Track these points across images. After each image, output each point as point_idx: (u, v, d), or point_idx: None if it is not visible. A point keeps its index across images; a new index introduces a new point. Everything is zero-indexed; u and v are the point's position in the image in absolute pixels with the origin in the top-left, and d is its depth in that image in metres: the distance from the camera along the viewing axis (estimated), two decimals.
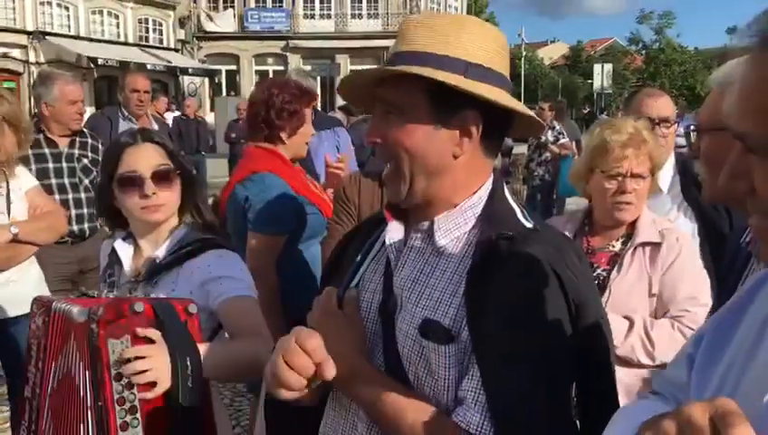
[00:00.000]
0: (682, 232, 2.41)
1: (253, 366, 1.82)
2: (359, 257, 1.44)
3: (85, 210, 4.27)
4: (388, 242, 1.37)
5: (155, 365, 1.60)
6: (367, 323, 1.36)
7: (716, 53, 49.07)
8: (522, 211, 1.33)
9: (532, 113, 1.36)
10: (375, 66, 1.34)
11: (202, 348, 1.71)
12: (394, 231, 1.38)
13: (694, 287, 2.28)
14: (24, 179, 3.39)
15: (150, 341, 1.63)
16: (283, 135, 3.08)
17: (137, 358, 1.60)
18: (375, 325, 1.35)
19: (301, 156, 3.24)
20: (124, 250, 2.05)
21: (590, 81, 41.12)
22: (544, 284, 1.21)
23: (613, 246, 2.42)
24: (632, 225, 2.40)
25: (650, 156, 2.37)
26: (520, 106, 1.33)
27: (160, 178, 1.96)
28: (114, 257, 2.06)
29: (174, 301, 1.73)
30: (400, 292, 1.32)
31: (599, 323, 1.27)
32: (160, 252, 2.00)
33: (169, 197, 1.99)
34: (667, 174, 2.81)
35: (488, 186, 1.35)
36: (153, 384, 1.60)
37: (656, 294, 2.30)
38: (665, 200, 2.83)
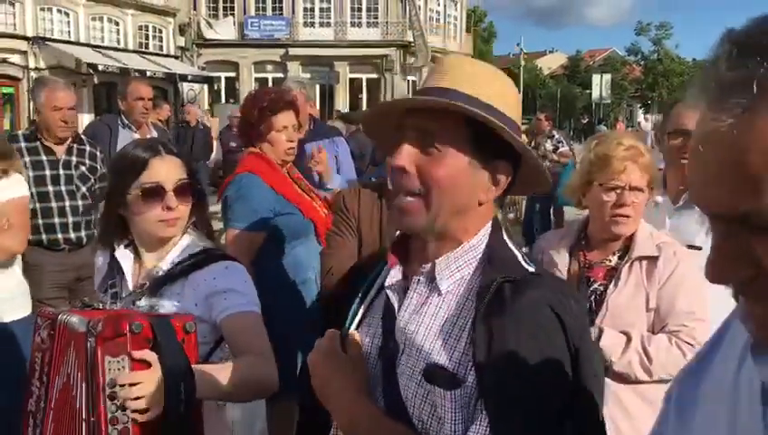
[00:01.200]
0: (679, 246, 2.40)
1: (252, 387, 1.88)
2: (358, 299, 1.44)
3: (82, 218, 4.26)
4: (387, 283, 1.37)
5: (149, 391, 1.61)
6: (367, 366, 1.36)
7: None
8: (522, 255, 1.35)
9: (548, 175, 1.39)
10: (415, 97, 1.33)
11: (202, 369, 1.73)
12: (394, 273, 1.37)
13: (691, 302, 2.26)
14: (6, 190, 3.33)
15: (147, 363, 1.63)
16: (255, 141, 3.22)
17: (131, 384, 1.61)
18: (375, 368, 1.35)
19: (285, 159, 3.31)
20: (126, 260, 2.03)
21: (588, 91, 41.23)
22: (548, 328, 1.21)
23: (610, 261, 2.41)
24: (629, 238, 2.38)
25: (648, 169, 2.36)
26: (542, 167, 1.37)
27: (181, 192, 1.97)
28: (115, 267, 2.04)
29: (173, 318, 1.73)
30: (402, 335, 1.31)
31: (593, 365, 1.28)
32: (165, 263, 1.99)
33: (185, 211, 2.00)
34: None
35: (488, 227, 1.35)
36: (146, 409, 1.61)
37: (653, 308, 2.29)
38: (699, 217, 2.75)
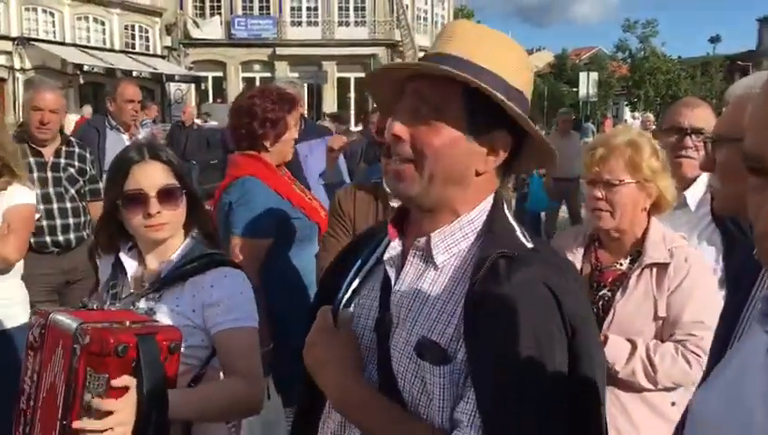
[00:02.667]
0: (693, 251, 2.33)
1: (235, 409, 1.94)
2: (352, 273, 1.43)
3: (71, 220, 4.21)
4: (386, 257, 1.35)
5: (119, 420, 1.62)
6: (362, 340, 1.35)
7: (699, 62, 49.58)
8: (521, 230, 1.31)
9: (554, 150, 1.35)
10: (415, 62, 1.31)
11: (185, 392, 1.79)
12: (393, 245, 1.35)
13: (700, 311, 2.18)
14: (11, 197, 3.27)
15: (124, 388, 1.65)
16: (267, 143, 3.10)
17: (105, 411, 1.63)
18: (370, 341, 1.34)
19: (285, 161, 3.25)
20: (129, 262, 2.04)
21: (575, 89, 41.38)
22: (542, 306, 1.18)
23: (621, 265, 2.34)
24: (641, 241, 2.31)
25: (630, 164, 2.26)
26: (545, 141, 1.32)
27: (165, 196, 1.96)
28: (119, 269, 2.05)
29: (160, 333, 1.71)
30: (397, 309, 1.30)
31: (592, 348, 1.25)
32: (166, 266, 2.00)
33: (174, 215, 1.98)
34: (698, 190, 2.70)
35: (489, 201, 1.33)
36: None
37: (662, 316, 2.23)
38: (690, 218, 2.70)
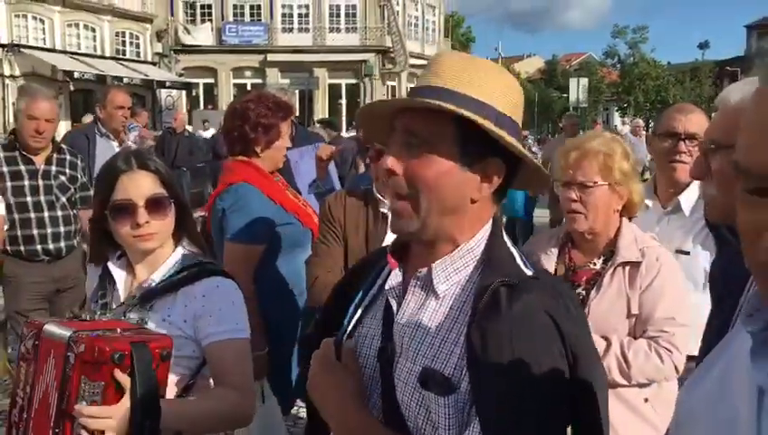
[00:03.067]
0: (663, 250, 2.40)
1: (225, 421, 1.94)
2: (354, 304, 1.43)
3: (62, 228, 4.20)
4: (387, 286, 1.35)
5: (113, 425, 1.63)
6: (365, 369, 1.35)
7: (688, 68, 49.93)
8: (521, 257, 1.32)
9: (547, 173, 1.37)
10: (401, 98, 1.34)
11: (177, 402, 1.80)
12: (394, 275, 1.35)
13: (672, 308, 2.27)
14: None
15: (120, 392, 1.66)
16: (258, 148, 3.10)
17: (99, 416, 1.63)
18: (373, 371, 1.34)
19: (277, 168, 3.25)
20: (118, 272, 2.03)
21: (565, 95, 41.57)
22: (544, 334, 1.19)
23: (594, 264, 2.41)
24: (613, 241, 2.38)
25: (602, 167, 2.33)
26: (540, 166, 1.34)
27: (154, 206, 1.95)
28: (108, 279, 2.04)
29: (152, 341, 1.72)
30: (400, 338, 1.30)
31: (594, 372, 1.26)
32: (156, 276, 1.98)
33: (162, 225, 1.97)
34: (692, 195, 2.74)
35: (487, 229, 1.34)
36: None
37: (635, 314, 2.30)
38: (684, 223, 2.74)
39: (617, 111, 48.30)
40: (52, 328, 1.75)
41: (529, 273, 1.28)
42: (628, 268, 2.33)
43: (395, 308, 1.34)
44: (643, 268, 2.31)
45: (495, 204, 1.34)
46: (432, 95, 1.25)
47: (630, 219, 2.47)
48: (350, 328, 1.40)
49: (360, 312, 1.41)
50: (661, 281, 2.28)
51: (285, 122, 3.18)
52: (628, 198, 2.39)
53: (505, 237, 1.34)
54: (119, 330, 1.73)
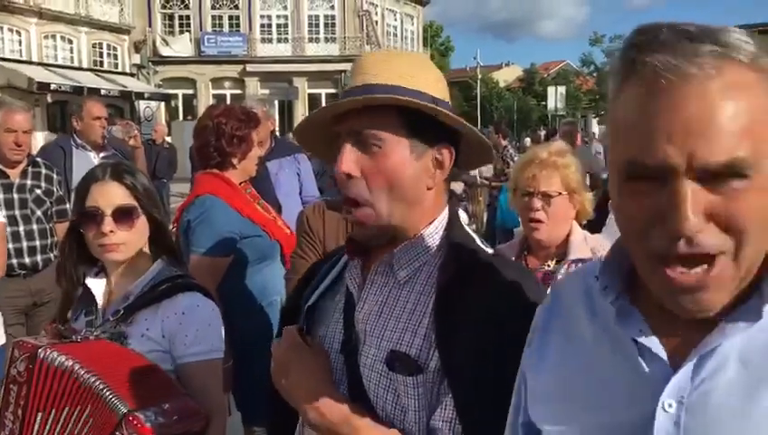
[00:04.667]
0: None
1: None
2: (315, 295, 1.43)
3: (38, 242, 4.15)
4: (348, 277, 1.37)
5: None
6: (330, 360, 1.35)
7: None
8: (480, 239, 1.36)
9: (489, 143, 1.38)
10: (343, 101, 1.28)
11: None
12: (352, 265, 1.37)
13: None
14: None
15: None
16: (235, 160, 3.13)
17: None
18: (338, 362, 1.34)
19: (250, 176, 3.28)
20: (97, 286, 2.02)
21: (543, 103, 41.92)
22: (512, 308, 1.21)
23: (548, 265, 2.50)
24: (565, 243, 2.49)
25: (562, 178, 2.46)
26: (483, 137, 1.35)
27: (121, 216, 1.94)
28: (88, 294, 2.03)
29: (195, 426, 1.74)
30: (363, 326, 1.31)
31: None
32: (135, 289, 1.98)
33: (130, 236, 1.96)
34: None
35: (445, 213, 1.36)
36: None
37: None
38: None
39: (594, 117, 48.71)
40: (60, 359, 1.73)
41: (490, 251, 1.33)
42: (580, 265, 2.40)
43: (355, 296, 1.35)
44: None
45: (447, 186, 1.37)
46: (369, 93, 1.25)
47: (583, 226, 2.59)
48: (307, 306, 1.40)
49: (313, 298, 1.41)
50: None
51: (256, 132, 3.23)
52: (579, 206, 2.52)
53: (462, 222, 1.37)
54: (166, 406, 1.72)
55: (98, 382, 1.70)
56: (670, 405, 0.84)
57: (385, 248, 1.33)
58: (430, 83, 1.30)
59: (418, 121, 1.26)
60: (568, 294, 1.06)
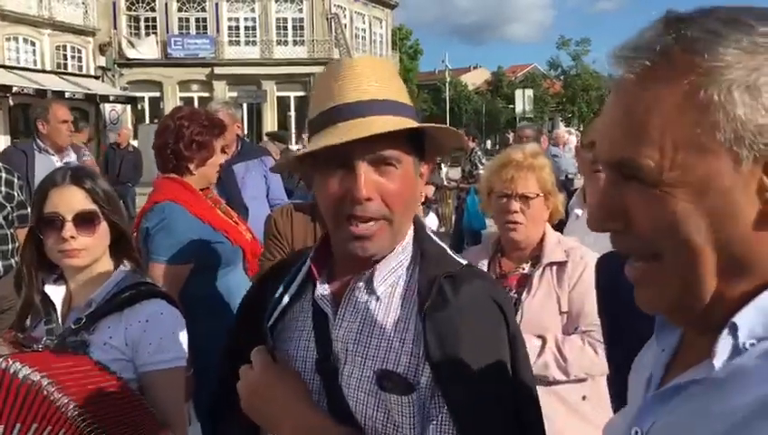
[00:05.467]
0: (587, 249, 2.50)
1: None
2: (276, 313, 1.37)
3: None
4: (317, 295, 1.33)
5: None
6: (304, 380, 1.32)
7: None
8: (450, 249, 1.36)
9: (458, 131, 1.40)
10: (368, 129, 1.21)
11: None
12: (320, 284, 1.34)
13: None
14: None
15: None
16: (191, 166, 3.07)
17: None
18: (314, 383, 1.31)
19: (210, 184, 3.23)
20: (56, 293, 1.98)
21: (511, 105, 42.25)
22: (493, 318, 1.25)
23: (523, 268, 2.52)
24: (539, 246, 2.50)
25: (539, 179, 2.48)
26: (454, 130, 1.38)
27: (82, 221, 1.92)
28: (47, 301, 1.98)
29: None
30: (345, 345, 1.29)
31: (524, 350, 1.32)
32: (97, 296, 1.94)
33: (91, 242, 1.94)
34: None
35: (411, 226, 1.36)
36: None
37: (565, 311, 2.40)
38: None
39: (561, 120, 49.33)
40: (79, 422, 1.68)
41: (464, 262, 1.33)
42: (555, 268, 2.45)
43: (331, 316, 1.32)
44: (569, 267, 2.42)
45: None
46: (373, 109, 1.23)
47: (561, 229, 2.59)
48: (271, 339, 1.36)
49: (276, 314, 1.37)
50: (588, 278, 2.36)
51: (219, 140, 3.16)
52: (553, 207, 2.54)
53: (428, 231, 1.38)
54: None
55: (71, 406, 1.67)
56: (636, 433, 0.83)
57: (359, 265, 1.30)
58: (402, 91, 1.32)
59: (417, 137, 1.29)
60: None
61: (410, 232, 1.35)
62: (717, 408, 0.72)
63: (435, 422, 1.19)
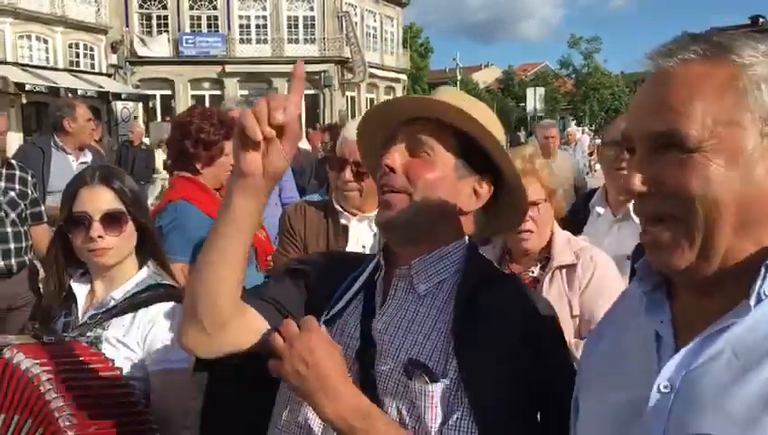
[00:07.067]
0: (596, 250, 2.47)
1: None
2: (337, 295, 1.45)
3: (12, 245, 4.08)
4: (370, 286, 1.43)
5: None
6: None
7: (642, 77, 51.08)
8: (495, 262, 1.49)
9: (525, 206, 1.53)
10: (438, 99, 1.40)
11: None
12: (380, 279, 1.44)
13: (612, 303, 2.34)
14: None
15: None
16: (198, 164, 3.07)
17: None
18: (353, 368, 1.34)
19: (222, 184, 3.18)
20: (80, 289, 2.02)
21: (522, 104, 42.16)
22: (528, 325, 1.31)
23: (533, 272, 2.48)
24: (548, 248, 2.45)
25: (542, 182, 2.45)
26: (522, 187, 1.46)
27: (109, 221, 1.94)
28: (71, 295, 2.01)
29: None
30: (382, 336, 1.35)
31: (563, 358, 1.39)
32: (117, 294, 1.97)
33: (118, 241, 1.96)
34: None
35: (465, 240, 1.44)
36: None
37: (577, 315, 2.36)
38: (635, 230, 2.82)
39: (572, 120, 49.15)
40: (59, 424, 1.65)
41: (507, 272, 1.38)
42: (564, 271, 2.40)
43: (377, 307, 1.40)
44: (579, 270, 2.38)
45: (477, 223, 1.46)
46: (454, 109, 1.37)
47: (581, 227, 2.54)
48: (333, 312, 1.42)
49: (340, 305, 1.43)
50: (598, 279, 2.36)
51: (229, 140, 3.13)
52: (556, 205, 2.51)
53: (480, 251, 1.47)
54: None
55: (61, 406, 1.64)
56: (665, 387, 0.93)
57: (404, 259, 1.40)
58: (495, 129, 1.42)
59: (470, 149, 1.39)
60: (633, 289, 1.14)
61: (461, 243, 1.43)
62: (751, 342, 0.88)
63: (456, 415, 1.24)
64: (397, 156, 1.37)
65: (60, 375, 1.69)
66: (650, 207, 0.94)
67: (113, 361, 1.81)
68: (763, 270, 0.89)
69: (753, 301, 0.88)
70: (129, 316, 1.93)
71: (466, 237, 1.44)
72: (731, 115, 0.90)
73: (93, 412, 1.69)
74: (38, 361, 1.71)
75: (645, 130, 0.94)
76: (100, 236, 1.91)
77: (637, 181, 0.93)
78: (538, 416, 1.31)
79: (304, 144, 8.83)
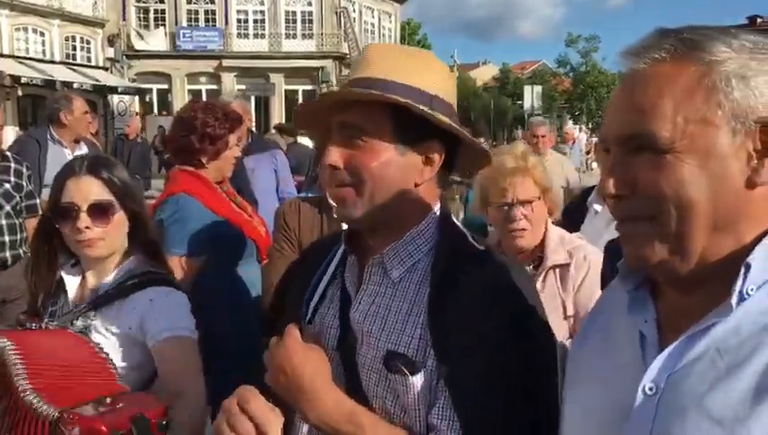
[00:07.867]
0: (590, 248, 2.45)
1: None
2: (311, 288, 1.43)
3: (6, 237, 4.07)
4: (347, 275, 1.38)
5: None
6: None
7: None
8: (470, 235, 1.37)
9: (487, 149, 1.41)
10: (334, 90, 1.39)
11: None
12: (351, 264, 1.39)
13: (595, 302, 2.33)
14: None
15: None
16: (204, 159, 3.05)
17: None
18: (334, 360, 1.33)
19: (225, 177, 3.21)
20: (70, 279, 2.00)
21: (519, 102, 42.22)
22: (503, 304, 1.24)
23: None
24: (541, 247, 2.43)
25: (536, 180, 2.41)
26: (476, 142, 1.37)
27: (96, 212, 1.91)
28: (61, 285, 2.00)
29: (150, 412, 1.57)
30: (360, 326, 1.32)
31: (547, 336, 1.33)
32: (106, 282, 1.95)
33: (107, 232, 1.93)
34: None
35: (436, 211, 1.37)
36: None
37: (571, 315, 2.34)
38: None
39: (569, 118, 49.18)
40: (31, 399, 1.58)
41: (481, 248, 1.34)
42: (558, 271, 2.39)
43: (352, 296, 1.36)
44: (573, 269, 2.36)
45: (440, 187, 1.38)
46: (363, 86, 1.29)
47: (578, 224, 2.52)
48: (309, 314, 1.40)
49: (316, 298, 1.41)
50: (592, 279, 2.34)
51: (235, 133, 3.14)
52: (551, 203, 2.48)
53: (454, 218, 1.39)
54: (108, 399, 1.57)
55: (28, 392, 1.57)
56: (650, 389, 0.93)
57: (376, 247, 1.34)
58: (431, 81, 1.32)
59: (408, 118, 1.27)
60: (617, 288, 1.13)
61: (432, 217, 1.36)
62: (734, 342, 0.88)
63: (438, 404, 1.21)
64: (335, 151, 1.29)
65: (36, 362, 1.64)
66: (625, 210, 0.94)
67: (99, 344, 1.78)
68: (743, 269, 0.88)
69: (734, 300, 0.88)
70: (118, 304, 1.90)
71: (437, 208, 1.37)
72: (702, 113, 0.89)
73: (74, 387, 1.63)
74: (17, 348, 1.64)
75: (617, 133, 0.94)
76: (87, 227, 1.89)
77: (610, 185, 0.94)
78: (522, 399, 1.23)
79: (303, 139, 8.81)
